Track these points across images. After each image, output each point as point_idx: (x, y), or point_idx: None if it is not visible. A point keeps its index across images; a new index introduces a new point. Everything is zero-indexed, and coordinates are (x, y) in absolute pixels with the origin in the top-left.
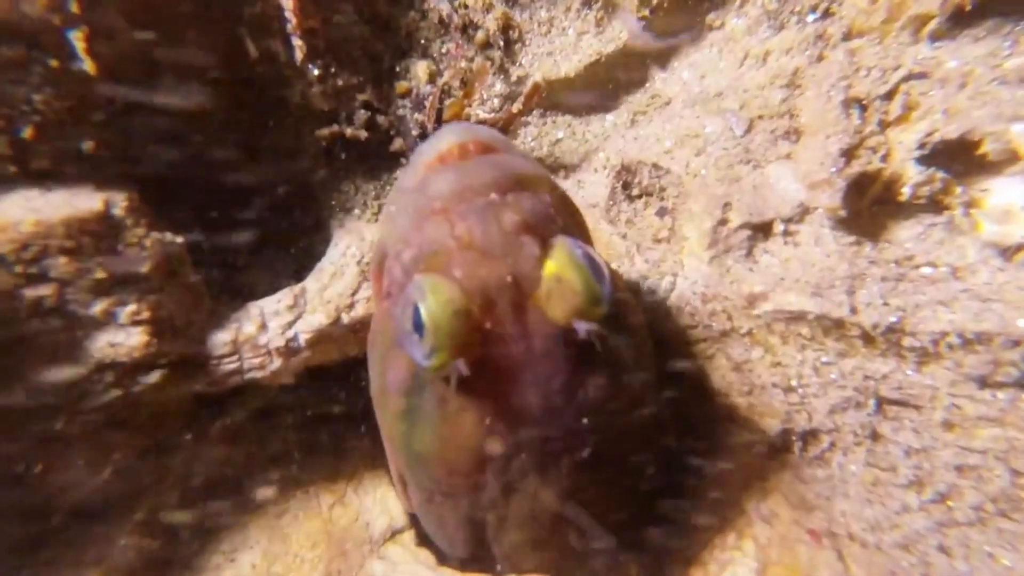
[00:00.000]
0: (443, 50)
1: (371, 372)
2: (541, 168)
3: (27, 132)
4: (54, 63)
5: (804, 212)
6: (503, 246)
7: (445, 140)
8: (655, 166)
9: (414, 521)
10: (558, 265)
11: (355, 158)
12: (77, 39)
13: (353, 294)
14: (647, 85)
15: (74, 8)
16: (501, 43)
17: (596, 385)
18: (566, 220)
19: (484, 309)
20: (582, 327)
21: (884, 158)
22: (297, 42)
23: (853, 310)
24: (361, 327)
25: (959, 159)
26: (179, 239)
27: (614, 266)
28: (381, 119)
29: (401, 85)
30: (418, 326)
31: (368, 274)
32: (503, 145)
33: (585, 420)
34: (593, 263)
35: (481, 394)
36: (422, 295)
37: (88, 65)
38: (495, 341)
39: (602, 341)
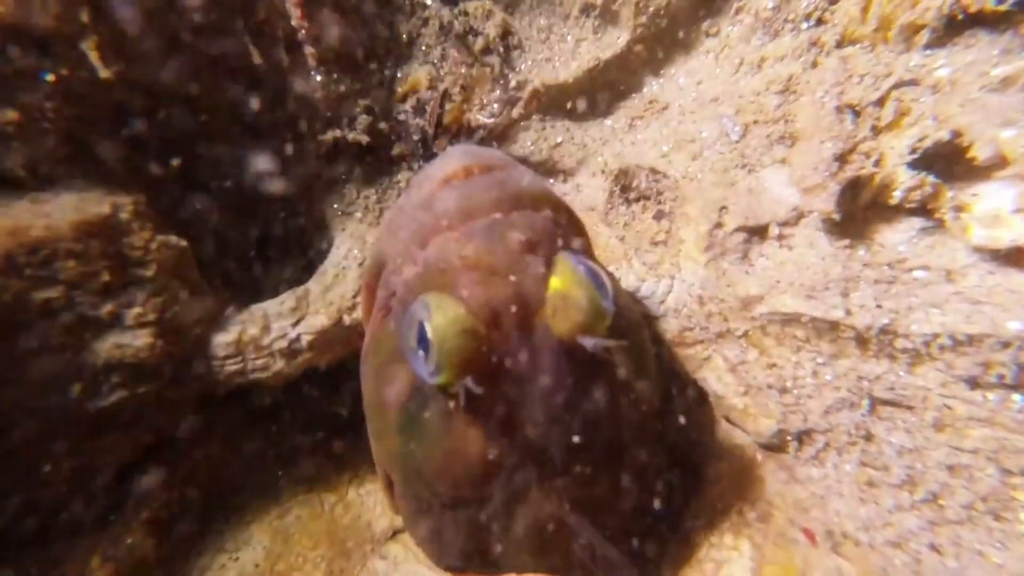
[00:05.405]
0: (443, 56)
1: (365, 383)
2: (545, 185)
3: (38, 139)
4: (65, 71)
5: (799, 216)
6: (508, 265)
7: (451, 163)
8: (652, 170)
9: None
10: (563, 282)
11: (357, 162)
12: (89, 48)
13: (355, 296)
14: (644, 90)
15: (85, 18)
16: (501, 49)
17: (600, 397)
18: (570, 235)
19: (490, 327)
20: (588, 342)
21: (877, 163)
22: (309, 49)
23: (847, 312)
24: (363, 328)
25: (949, 164)
26: (184, 242)
27: (611, 269)
28: (382, 124)
29: (402, 90)
30: (424, 343)
31: (361, 284)
32: (507, 164)
33: (589, 431)
34: (596, 277)
35: (487, 409)
36: (428, 313)
37: (104, 74)
38: (501, 357)
39: (606, 354)
